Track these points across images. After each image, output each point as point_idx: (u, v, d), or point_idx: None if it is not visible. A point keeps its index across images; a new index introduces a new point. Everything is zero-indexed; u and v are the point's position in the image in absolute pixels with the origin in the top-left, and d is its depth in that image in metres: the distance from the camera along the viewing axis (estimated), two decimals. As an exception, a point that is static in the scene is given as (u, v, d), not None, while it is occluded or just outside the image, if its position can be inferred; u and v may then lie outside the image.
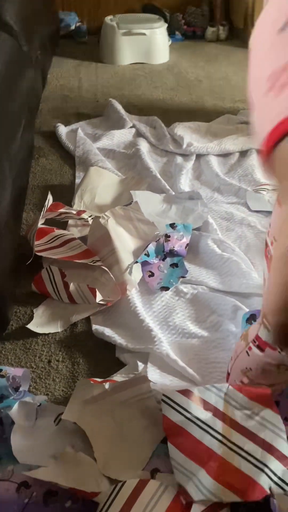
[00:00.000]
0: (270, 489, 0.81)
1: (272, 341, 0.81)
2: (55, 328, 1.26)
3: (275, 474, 0.83)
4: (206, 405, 0.93)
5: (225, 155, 2.01)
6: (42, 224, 1.48)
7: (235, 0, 3.47)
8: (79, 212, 1.54)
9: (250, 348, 0.88)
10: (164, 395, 0.95)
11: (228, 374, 1.02)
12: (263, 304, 0.84)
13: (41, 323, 1.28)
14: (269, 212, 1.70)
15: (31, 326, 1.24)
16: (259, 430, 0.89)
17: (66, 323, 1.27)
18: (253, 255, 1.49)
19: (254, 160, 1.95)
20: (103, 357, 1.19)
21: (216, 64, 3.07)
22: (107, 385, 1.04)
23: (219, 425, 0.91)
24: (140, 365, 1.12)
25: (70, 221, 1.56)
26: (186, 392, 0.96)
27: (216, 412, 0.92)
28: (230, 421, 0.91)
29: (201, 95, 2.63)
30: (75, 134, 2.13)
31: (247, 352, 0.90)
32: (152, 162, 1.97)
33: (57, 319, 1.29)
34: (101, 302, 1.27)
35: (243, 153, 2.01)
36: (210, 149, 1.99)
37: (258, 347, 0.85)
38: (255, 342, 0.86)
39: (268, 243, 0.79)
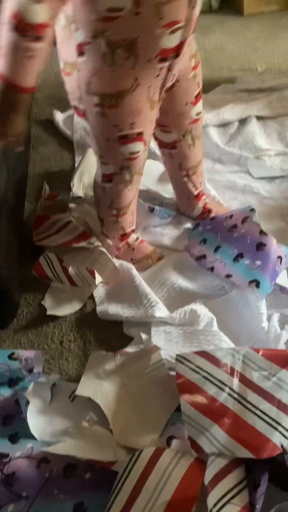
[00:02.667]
0: (282, 446, 0.81)
1: None
2: (70, 309, 1.27)
3: (288, 431, 0.83)
4: (224, 366, 0.94)
5: (224, 125, 1.97)
6: (40, 212, 1.48)
7: None
8: (75, 198, 1.55)
9: None
10: (178, 355, 0.96)
11: None
12: None
13: (55, 306, 1.29)
14: (272, 178, 1.67)
15: (49, 311, 1.25)
16: (275, 390, 0.89)
17: (79, 303, 1.28)
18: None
19: (254, 127, 1.91)
20: (113, 334, 1.20)
21: (210, 35, 2.99)
22: (118, 358, 1.05)
23: (235, 384, 0.91)
24: (144, 336, 1.12)
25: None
26: (202, 354, 0.96)
27: (233, 372, 0.93)
28: (247, 381, 0.91)
29: (196, 68, 2.58)
30: (72, 119, 2.12)
31: None
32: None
33: (69, 301, 1.30)
34: (100, 284, 1.27)
35: (242, 121, 1.97)
36: (208, 121, 1.95)
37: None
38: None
39: None
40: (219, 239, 1.25)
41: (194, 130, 1.26)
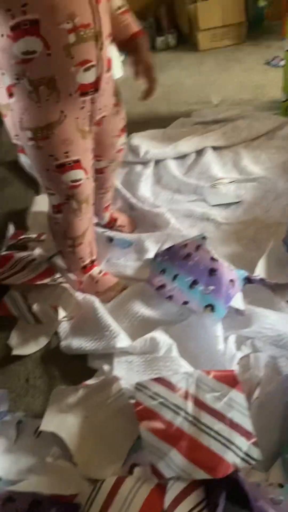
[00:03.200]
0: (235, 464, 0.84)
1: None
2: (35, 347, 1.30)
3: (240, 450, 0.86)
4: (179, 390, 0.97)
5: (182, 157, 2.07)
6: (4, 251, 1.53)
7: (179, 9, 3.58)
8: (39, 235, 1.60)
9: None
10: (137, 383, 0.99)
11: None
12: None
13: (20, 345, 1.31)
14: (228, 204, 1.75)
15: (14, 351, 1.27)
16: (227, 410, 0.93)
17: (44, 340, 1.31)
18: (215, 245, 1.52)
19: (209, 157, 2.01)
20: (78, 367, 1.22)
21: (168, 71, 3.14)
22: (80, 391, 1.07)
23: (190, 407, 0.94)
24: (107, 368, 1.15)
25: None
26: (159, 380, 1.00)
27: (187, 396, 0.96)
28: (201, 403, 0.95)
29: (155, 103, 2.70)
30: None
31: None
32: (114, 174, 2.02)
33: (35, 338, 1.33)
34: (64, 319, 1.31)
35: (199, 152, 2.07)
36: (166, 154, 2.05)
37: None
38: None
39: None
40: (176, 268, 1.30)
41: (118, 158, 1.44)
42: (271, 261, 1.39)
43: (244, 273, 1.29)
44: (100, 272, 1.44)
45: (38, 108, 1.02)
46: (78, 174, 1.14)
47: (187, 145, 2.07)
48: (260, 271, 1.33)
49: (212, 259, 1.25)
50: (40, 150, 1.08)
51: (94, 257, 1.41)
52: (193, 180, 1.90)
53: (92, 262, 1.41)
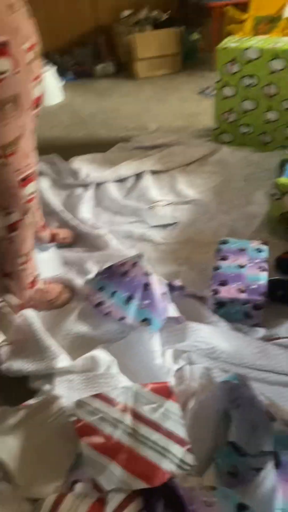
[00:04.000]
0: (171, 471, 0.89)
1: None
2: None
3: (176, 457, 0.91)
4: (117, 404, 1.01)
5: (121, 180, 2.14)
6: None
7: (117, 38, 3.72)
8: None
9: None
10: (78, 400, 1.02)
11: None
12: None
13: None
14: (165, 225, 1.84)
15: None
16: (163, 420, 0.98)
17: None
18: (153, 264, 1.59)
19: (148, 181, 2.10)
20: (19, 389, 1.22)
21: (107, 98, 3.25)
22: (21, 412, 1.08)
23: (128, 420, 0.98)
24: (48, 388, 1.16)
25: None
26: (99, 396, 1.03)
27: (125, 409, 1.00)
28: (139, 416, 0.99)
29: (95, 128, 2.78)
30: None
31: None
32: (55, 196, 2.06)
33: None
34: (3, 344, 1.31)
35: (138, 176, 2.16)
36: (106, 177, 2.12)
37: None
38: None
39: None
40: (114, 286, 1.35)
41: None
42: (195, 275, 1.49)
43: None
44: (44, 282, 1.46)
45: (5, 126, 1.07)
46: (33, 186, 1.22)
47: (126, 168, 2.16)
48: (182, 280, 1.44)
49: (145, 274, 1.31)
50: (7, 166, 1.13)
51: (38, 271, 1.44)
52: (133, 202, 1.98)
53: (37, 275, 1.43)
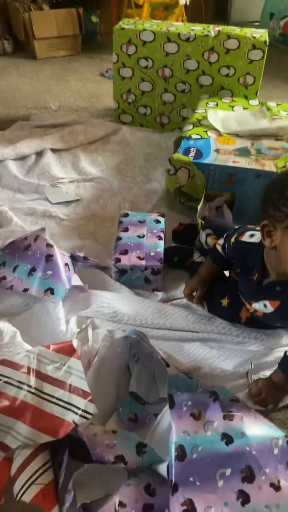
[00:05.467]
0: (74, 421, 0.94)
1: None
2: None
3: (79, 408, 0.96)
4: (21, 368, 1.03)
5: (22, 158, 2.11)
6: None
7: (13, 17, 3.59)
8: None
9: None
10: None
11: None
12: None
13: None
14: (68, 202, 1.86)
15: None
16: (66, 377, 1.02)
17: None
18: (57, 240, 1.61)
19: (49, 159, 2.10)
20: None
21: (6, 77, 3.15)
22: None
23: (32, 381, 1.01)
24: None
25: None
26: (2, 362, 1.04)
27: (30, 371, 1.02)
28: (43, 376, 1.02)
29: (-6, 107, 2.69)
30: None
31: None
32: None
33: None
34: None
35: (39, 154, 2.14)
36: (6, 155, 2.07)
37: None
38: None
39: None
40: (16, 260, 1.36)
41: None
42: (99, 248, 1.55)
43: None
44: None
45: None
46: None
47: (26, 146, 2.13)
48: (86, 253, 1.49)
49: (48, 245, 1.34)
50: None
51: None
52: (34, 180, 1.97)
53: None
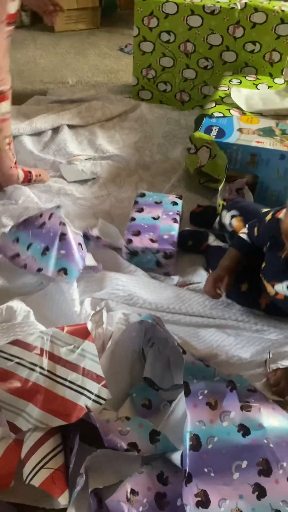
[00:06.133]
0: (87, 406, 0.91)
1: None
2: None
3: (92, 393, 0.94)
4: (34, 349, 1.01)
5: (38, 134, 2.06)
6: None
7: (32, -14, 3.49)
8: None
9: None
10: None
11: None
12: None
13: None
14: (84, 181, 1.81)
15: None
16: (80, 360, 1.00)
17: None
18: (72, 219, 1.57)
19: (65, 135, 2.04)
20: None
21: (22, 49, 3.07)
22: None
23: (45, 363, 0.98)
24: None
25: None
26: (16, 342, 1.02)
27: (42, 353, 1.00)
28: (56, 358, 1.00)
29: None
30: None
31: None
32: None
33: None
34: None
35: (55, 130, 2.09)
36: (22, 130, 2.02)
37: None
38: None
39: None
40: (30, 237, 1.32)
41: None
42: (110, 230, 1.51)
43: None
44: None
45: None
46: (6, 106, 1.32)
47: (43, 121, 2.08)
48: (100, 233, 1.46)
49: (61, 223, 1.30)
50: None
51: None
52: (50, 156, 1.92)
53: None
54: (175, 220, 1.45)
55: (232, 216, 1.34)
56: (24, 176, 1.70)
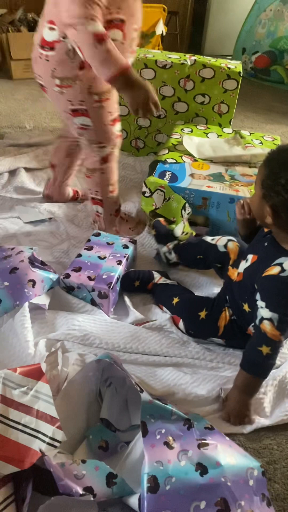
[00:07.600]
0: (41, 450, 0.88)
1: None
2: None
3: (46, 436, 0.91)
4: None
5: (-6, 176, 2.07)
6: None
7: (-9, 36, 3.60)
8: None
9: None
10: None
11: None
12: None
13: None
14: (41, 221, 1.82)
15: None
16: (33, 402, 0.96)
17: None
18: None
19: (23, 177, 2.06)
20: None
21: (-19, 95, 3.12)
22: None
23: None
24: None
25: None
26: None
27: None
28: (8, 401, 0.96)
29: None
30: None
31: None
32: None
33: None
34: None
35: (12, 172, 2.10)
36: (-22, 172, 2.03)
37: None
38: None
39: None
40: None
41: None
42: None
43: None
44: (125, 213, 1.83)
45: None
46: (119, 126, 1.56)
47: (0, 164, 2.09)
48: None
49: (22, 261, 1.30)
50: (103, 109, 1.47)
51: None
52: (7, 198, 1.92)
53: (120, 206, 1.77)
54: (119, 262, 1.45)
55: (229, 240, 1.39)
56: (73, 194, 1.98)
